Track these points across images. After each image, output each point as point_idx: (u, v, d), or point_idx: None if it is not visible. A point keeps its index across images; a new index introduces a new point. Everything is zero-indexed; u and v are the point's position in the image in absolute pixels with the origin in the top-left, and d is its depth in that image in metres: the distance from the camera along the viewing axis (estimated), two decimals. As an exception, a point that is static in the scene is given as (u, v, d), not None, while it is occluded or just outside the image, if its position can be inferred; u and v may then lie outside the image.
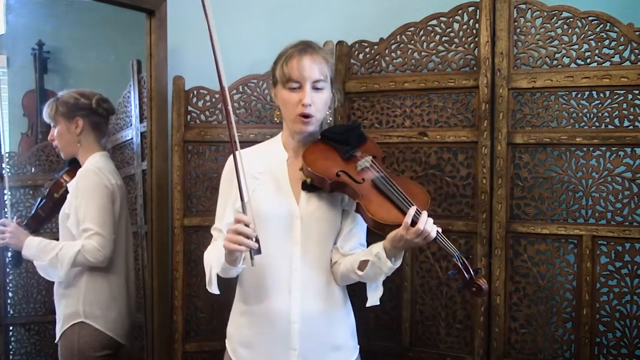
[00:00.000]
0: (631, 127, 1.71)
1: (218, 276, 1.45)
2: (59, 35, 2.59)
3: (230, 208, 1.53)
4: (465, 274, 1.35)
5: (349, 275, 1.49)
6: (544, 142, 1.78)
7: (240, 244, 1.31)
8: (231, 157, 1.56)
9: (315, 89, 1.49)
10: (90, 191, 1.94)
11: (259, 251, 1.34)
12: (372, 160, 1.51)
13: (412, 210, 1.35)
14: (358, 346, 1.61)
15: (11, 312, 2.52)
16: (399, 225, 1.35)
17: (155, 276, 2.01)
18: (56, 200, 2.12)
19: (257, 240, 1.33)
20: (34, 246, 1.95)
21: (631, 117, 1.71)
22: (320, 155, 1.51)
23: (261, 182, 1.53)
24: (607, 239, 1.73)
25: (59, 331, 1.99)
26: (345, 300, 1.58)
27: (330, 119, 1.58)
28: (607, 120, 1.73)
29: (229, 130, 1.36)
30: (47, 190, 2.13)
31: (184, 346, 2.01)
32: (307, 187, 1.50)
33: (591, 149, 1.75)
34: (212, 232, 1.58)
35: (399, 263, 1.43)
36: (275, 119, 1.61)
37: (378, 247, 1.41)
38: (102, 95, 2.13)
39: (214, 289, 1.46)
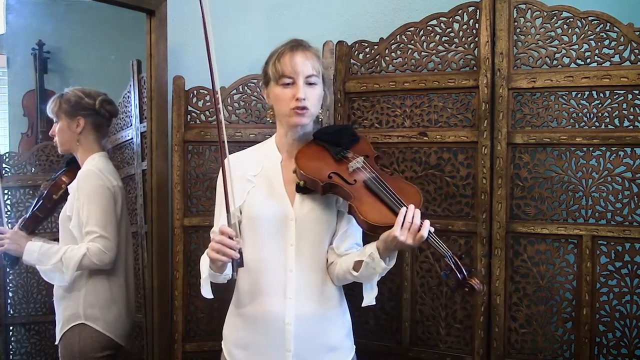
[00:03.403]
0: (631, 127, 1.71)
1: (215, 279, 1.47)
2: (59, 35, 2.60)
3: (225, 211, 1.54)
4: (458, 274, 1.34)
5: (344, 276, 1.49)
6: (544, 142, 1.78)
7: (223, 254, 1.33)
8: (225, 161, 1.59)
9: (308, 84, 1.50)
10: (92, 193, 1.93)
11: (241, 264, 1.36)
12: (364, 161, 1.51)
13: (403, 211, 1.36)
14: (354, 347, 1.61)
15: (11, 312, 2.52)
16: (390, 226, 1.35)
17: (155, 276, 2.01)
18: (55, 201, 2.11)
19: (240, 253, 1.34)
20: (35, 251, 1.93)
21: (631, 117, 1.71)
22: (312, 157, 1.51)
23: (256, 185, 1.54)
24: (607, 239, 1.73)
25: (59, 333, 1.98)
26: (341, 301, 1.58)
27: (321, 118, 1.59)
28: (607, 120, 1.73)
29: (219, 137, 1.39)
30: (45, 191, 2.11)
31: (184, 346, 2.01)
32: (301, 189, 1.50)
33: (591, 149, 1.75)
34: (211, 234, 1.57)
35: (392, 263, 1.44)
36: (268, 119, 1.61)
37: (371, 248, 1.42)
38: (107, 96, 2.11)
39: (205, 292, 1.48)
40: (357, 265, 1.44)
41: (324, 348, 1.51)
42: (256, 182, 1.54)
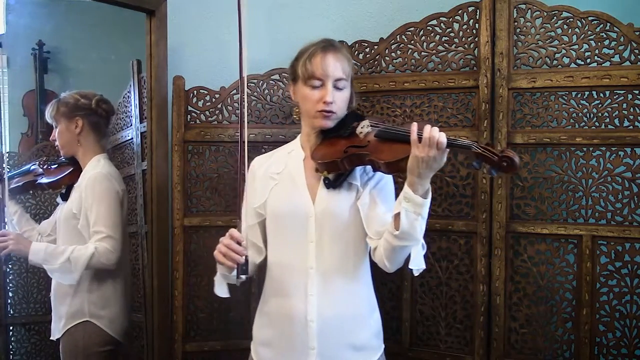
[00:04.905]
0: (631, 127, 1.71)
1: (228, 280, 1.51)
2: (59, 35, 2.59)
3: (251, 210, 1.57)
4: (491, 156, 1.29)
5: (391, 246, 1.38)
6: (544, 142, 1.78)
7: (228, 258, 1.38)
8: (252, 162, 1.62)
9: (337, 87, 1.50)
10: (101, 195, 1.98)
11: (245, 271, 1.39)
12: (370, 122, 1.50)
13: (414, 127, 1.32)
14: (383, 345, 1.58)
15: (11, 312, 2.52)
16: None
17: (155, 276, 2.01)
18: (43, 190, 2.27)
19: (245, 260, 1.38)
20: (41, 251, 1.96)
21: (631, 117, 1.71)
22: (326, 147, 1.52)
23: (278, 182, 1.55)
24: (607, 239, 1.73)
25: (61, 329, 2.01)
26: (368, 299, 1.56)
27: None
28: (607, 120, 1.73)
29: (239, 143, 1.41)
30: (45, 183, 2.16)
31: (184, 346, 2.01)
32: (330, 183, 1.50)
33: (591, 149, 1.75)
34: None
35: (429, 197, 1.35)
36: (294, 117, 1.61)
37: (402, 193, 1.35)
38: (102, 96, 2.15)
39: (218, 291, 1.51)
40: (396, 220, 1.35)
41: (349, 347, 1.49)
42: (279, 179, 1.55)
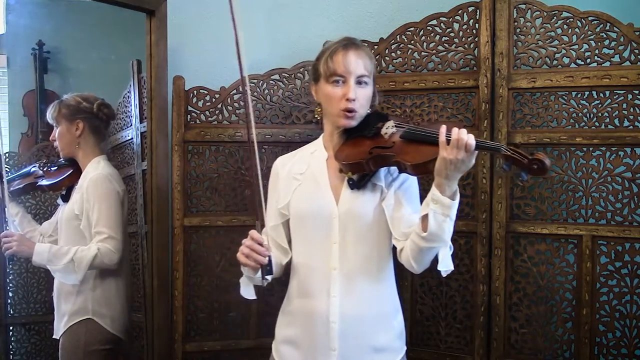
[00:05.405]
0: (631, 127, 1.71)
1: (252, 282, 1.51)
2: (59, 35, 2.59)
3: (274, 210, 1.58)
4: (521, 159, 1.28)
5: (418, 247, 1.37)
6: (544, 142, 1.78)
7: (251, 259, 1.38)
8: (275, 162, 1.63)
9: (359, 83, 1.49)
10: (103, 196, 2.01)
11: (270, 271, 1.39)
12: (395, 122, 1.50)
13: (442, 129, 1.31)
14: (405, 347, 1.57)
15: (11, 312, 2.52)
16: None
17: (155, 276, 2.01)
18: (43, 191, 2.31)
19: (269, 260, 1.38)
20: (44, 252, 1.98)
21: (631, 117, 1.71)
22: (350, 147, 1.51)
23: (302, 183, 1.55)
24: (607, 239, 1.73)
25: (63, 327, 2.03)
26: (392, 300, 1.55)
27: None
28: (607, 120, 1.73)
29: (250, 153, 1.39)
30: (45, 185, 2.18)
31: (184, 346, 2.01)
32: (354, 184, 1.49)
33: (591, 149, 1.75)
34: (263, 236, 1.56)
35: (457, 198, 1.33)
36: (316, 116, 1.61)
37: (429, 195, 1.34)
38: (104, 100, 2.19)
39: (244, 293, 1.52)
40: (424, 222, 1.33)
41: (370, 349, 1.48)
42: (302, 180, 1.55)
